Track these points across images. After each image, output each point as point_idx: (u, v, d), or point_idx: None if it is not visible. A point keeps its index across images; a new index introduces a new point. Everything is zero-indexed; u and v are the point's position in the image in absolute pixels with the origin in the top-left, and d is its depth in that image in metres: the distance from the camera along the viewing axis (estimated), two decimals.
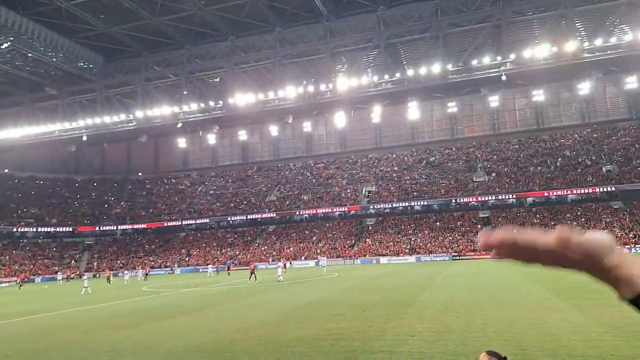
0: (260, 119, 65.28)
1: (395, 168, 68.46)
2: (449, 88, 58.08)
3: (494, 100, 59.18)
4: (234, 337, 12.16)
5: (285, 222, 67.27)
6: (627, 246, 46.04)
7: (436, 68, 48.98)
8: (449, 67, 50.07)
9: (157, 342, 12.18)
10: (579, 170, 57.43)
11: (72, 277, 54.73)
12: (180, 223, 69.95)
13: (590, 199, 55.90)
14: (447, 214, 60.34)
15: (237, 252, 62.72)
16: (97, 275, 61.39)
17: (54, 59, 55.08)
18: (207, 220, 69.52)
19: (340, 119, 59.28)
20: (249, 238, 66.39)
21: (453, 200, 59.33)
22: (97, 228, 71.63)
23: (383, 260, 53.52)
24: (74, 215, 72.84)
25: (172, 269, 61.04)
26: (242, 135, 70.59)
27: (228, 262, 56.37)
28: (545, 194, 56.14)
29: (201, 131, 65.34)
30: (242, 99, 54.42)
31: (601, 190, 54.22)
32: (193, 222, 70.07)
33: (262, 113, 58.32)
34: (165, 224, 70.24)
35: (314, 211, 64.51)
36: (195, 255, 64.23)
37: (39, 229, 68.60)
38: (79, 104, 63.71)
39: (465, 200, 58.79)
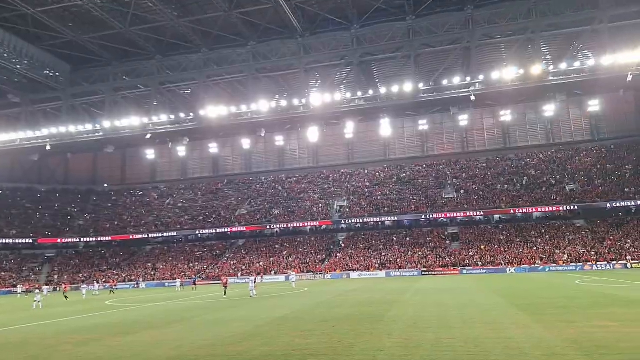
0: (232, 131, 64.85)
1: (367, 183, 69.05)
2: (420, 106, 59.39)
3: (463, 119, 60.85)
4: (199, 354, 11.83)
5: (256, 236, 66.56)
6: (588, 263, 47.68)
7: (408, 87, 50.00)
8: (420, 86, 51.21)
9: (119, 358, 11.89)
10: (543, 189, 59.37)
11: (31, 290, 52.31)
12: (146, 236, 68.15)
13: (554, 217, 57.81)
14: (417, 229, 61.09)
15: (205, 267, 61.46)
16: (57, 289, 58.96)
17: (19, 66, 53.37)
18: (175, 234, 67.98)
19: (313, 134, 59.51)
20: (218, 252, 65.25)
21: (423, 216, 60.15)
22: (58, 240, 68.97)
23: (353, 275, 53.53)
24: (35, 226, 69.93)
25: (137, 283, 59.24)
26: (213, 147, 69.80)
27: (194, 276, 55.20)
28: (512, 211, 57.68)
29: (171, 143, 64.20)
30: (214, 111, 53.97)
31: (564, 208, 56.18)
32: (160, 235, 68.36)
33: (234, 126, 57.97)
34: (131, 237, 68.22)
35: (285, 225, 64.09)
36: (161, 269, 62.56)
37: None
38: (43, 112, 61.74)
39: (435, 216, 59.72)
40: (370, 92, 53.49)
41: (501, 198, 59.26)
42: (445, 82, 50.74)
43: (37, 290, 37.71)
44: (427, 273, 51.63)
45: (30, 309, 29.69)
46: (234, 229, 65.06)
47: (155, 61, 56.77)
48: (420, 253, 55.99)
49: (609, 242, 50.77)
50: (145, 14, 48.78)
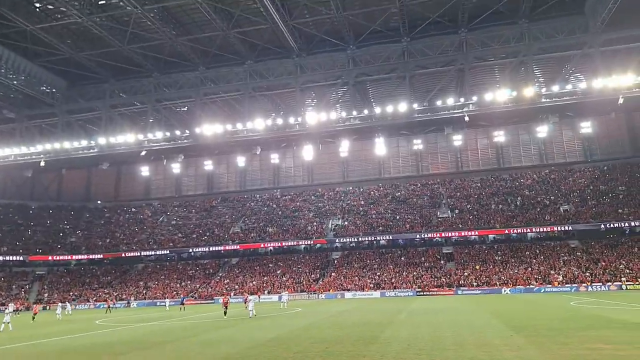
0: (228, 149, 64.88)
1: (362, 202, 68.94)
2: (414, 126, 59.78)
3: (457, 139, 61.18)
4: None
5: (250, 255, 65.92)
6: (583, 284, 47.45)
7: (402, 107, 50.39)
8: (415, 106, 51.64)
9: None
10: (538, 209, 59.46)
11: (20, 309, 51.23)
12: (139, 254, 67.34)
13: (548, 238, 57.78)
14: (412, 249, 60.79)
15: (197, 286, 60.63)
16: (48, 308, 57.87)
17: (15, 82, 53.39)
18: (168, 252, 67.23)
19: (308, 152, 59.56)
20: (211, 271, 64.49)
21: (417, 236, 59.95)
22: (49, 257, 67.99)
23: (348, 295, 52.97)
24: (26, 243, 69.00)
25: (128, 302, 58.29)
26: (208, 165, 69.69)
27: (183, 296, 54.29)
28: (506, 231, 57.60)
29: (165, 160, 63.95)
30: (210, 129, 54.02)
31: (559, 229, 56.24)
32: (153, 253, 67.60)
33: (230, 144, 58.03)
34: (123, 255, 67.38)
35: (279, 244, 63.61)
36: (153, 288, 61.66)
37: None
38: (38, 128, 61.58)
39: (430, 235, 59.54)
40: (366, 111, 53.83)
41: (495, 218, 59.25)
42: (439, 102, 51.18)
43: (6, 310, 35.93)
44: (422, 293, 51.20)
45: (26, 328, 29.05)
46: (227, 248, 64.47)
47: (153, 78, 57.03)
48: (415, 273, 55.60)
49: (604, 263, 50.65)
50: (144, 32, 49.16)
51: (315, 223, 65.62)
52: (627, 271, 48.39)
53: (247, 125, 53.72)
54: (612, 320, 20.49)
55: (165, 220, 74.17)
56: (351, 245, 62.43)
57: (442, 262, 57.69)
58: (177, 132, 56.67)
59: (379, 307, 35.36)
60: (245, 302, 37.86)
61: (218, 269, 64.73)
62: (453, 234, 58.88)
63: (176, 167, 66.51)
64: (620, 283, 46.65)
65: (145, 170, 70.15)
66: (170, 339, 20.15)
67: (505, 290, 49.19)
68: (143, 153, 58.61)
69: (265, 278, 59.45)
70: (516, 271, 52.36)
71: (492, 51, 50.64)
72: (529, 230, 57.09)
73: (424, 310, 30.25)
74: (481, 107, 50.30)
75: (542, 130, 58.32)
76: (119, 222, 75.46)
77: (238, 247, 64.29)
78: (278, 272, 60.71)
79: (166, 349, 17.25)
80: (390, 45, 52.09)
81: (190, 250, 66.49)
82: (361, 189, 71.72)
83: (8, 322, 28.26)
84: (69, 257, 69.10)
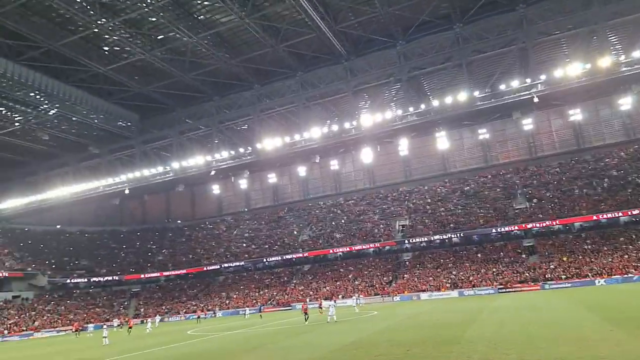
0: (288, 160, 63.90)
1: (429, 200, 64.38)
2: (477, 115, 54.42)
3: (527, 124, 54.70)
4: None
5: (320, 261, 64.31)
6: None
7: (462, 96, 45.97)
8: (476, 93, 46.90)
9: None
10: (629, 190, 51.39)
11: (123, 323, 53.91)
12: (218, 267, 68.70)
13: None
14: (489, 244, 55.40)
15: (274, 293, 60.10)
16: (144, 322, 60.61)
17: (96, 120, 56.65)
18: (244, 263, 67.70)
19: (367, 155, 56.65)
20: (286, 278, 63.78)
21: (493, 230, 54.42)
22: (142, 276, 71.58)
23: (424, 296, 49.32)
24: (121, 264, 73.23)
25: (214, 312, 59.36)
26: (272, 178, 69.31)
27: (260, 304, 54.11)
28: (594, 217, 50.30)
29: (233, 177, 64.58)
30: (270, 143, 53.30)
31: None
32: (230, 265, 68.42)
33: (290, 155, 56.89)
34: (205, 269, 69.22)
35: (348, 249, 61.17)
36: (234, 297, 62.21)
37: (90, 280, 69.24)
38: (119, 160, 64.95)
39: (507, 229, 53.75)
40: (422, 106, 49.93)
41: (580, 204, 52.13)
42: (502, 86, 46.04)
43: (104, 326, 38.33)
44: (504, 290, 46.20)
45: (127, 342, 30.69)
46: (298, 255, 63.35)
47: (214, 102, 57.74)
48: (494, 269, 50.43)
49: None
50: (200, 59, 49.73)
51: (381, 225, 62.37)
52: None
53: (304, 135, 52.23)
54: None
55: (238, 234, 75.03)
56: (422, 245, 58.32)
57: (524, 256, 51.81)
58: (241, 150, 56.68)
59: (459, 306, 32.81)
60: (319, 307, 36.78)
61: (292, 277, 63.85)
62: (533, 225, 52.63)
63: (243, 183, 66.83)
64: None
65: (216, 189, 71.42)
66: (255, 346, 20.41)
67: (599, 282, 42.85)
68: (212, 173, 59.33)
69: (337, 283, 57.41)
70: (610, 260, 45.43)
71: (556, 24, 44.65)
72: (621, 214, 49.29)
73: (508, 307, 27.67)
74: (551, 86, 44.41)
75: (626, 103, 50.37)
76: (198, 239, 77.64)
77: (307, 254, 62.93)
78: (350, 276, 58.29)
79: (254, 355, 17.65)
80: (442, 34, 47.99)
81: (264, 260, 66.39)
82: (426, 187, 67.09)
83: (106, 337, 30.74)
84: (159, 274, 72.16)
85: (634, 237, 48.00)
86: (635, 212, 48.65)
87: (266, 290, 61.82)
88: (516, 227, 53.59)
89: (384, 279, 55.66)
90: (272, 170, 68.18)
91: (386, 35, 48.42)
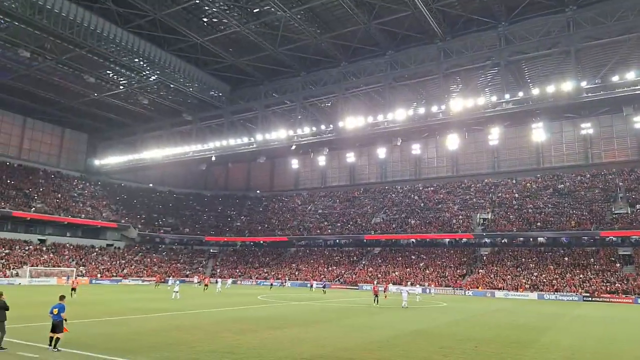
0: (369, 141, 62.63)
1: (516, 195, 60.09)
2: (582, 107, 49.05)
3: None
4: (340, 355, 11.89)
5: (391, 245, 63.18)
6: None
7: (567, 86, 41.48)
8: (583, 84, 42.10)
9: (270, 350, 12.49)
10: None
11: (200, 281, 57.52)
12: (291, 239, 70.26)
13: None
14: (578, 248, 50.73)
15: (343, 271, 60.47)
16: (217, 281, 64.20)
17: (190, 89, 59.20)
18: (315, 238, 68.63)
19: (452, 142, 53.74)
20: (355, 258, 63.60)
21: (586, 234, 49.81)
22: (220, 239, 75.45)
23: (499, 294, 46.55)
24: (202, 226, 77.68)
25: (283, 283, 61.08)
26: (350, 157, 68.48)
27: (324, 281, 54.68)
28: None
29: (312, 153, 64.87)
30: (352, 122, 52.38)
31: None
32: (302, 238, 69.76)
33: (371, 136, 55.55)
34: (278, 239, 71.08)
35: (422, 236, 59.41)
36: (304, 270, 63.54)
37: (174, 237, 74.58)
38: (209, 128, 67.81)
39: (602, 234, 48.91)
40: (520, 93, 45.85)
41: None
42: (615, 78, 40.79)
43: (176, 282, 40.94)
44: (589, 299, 42.29)
45: (203, 297, 32.33)
46: (369, 237, 62.88)
47: (300, 77, 57.65)
48: (582, 276, 46.26)
49: None
50: (292, 34, 49.54)
51: (460, 216, 59.53)
52: None
53: (387, 116, 50.53)
54: None
55: (312, 209, 75.94)
56: (502, 241, 54.87)
57: (618, 265, 46.85)
58: (322, 127, 56.43)
59: (536, 309, 30.18)
60: (384, 291, 36.63)
61: (361, 257, 63.56)
62: (634, 232, 47.36)
63: (322, 160, 66.94)
64: None
65: (295, 163, 72.34)
66: (321, 319, 20.63)
67: None
68: (293, 147, 59.93)
69: (408, 269, 56.16)
70: None
71: None
72: None
73: (593, 318, 24.95)
74: None
75: None
76: (274, 210, 79.87)
77: (379, 237, 62.16)
78: (421, 264, 56.88)
79: (318, 327, 17.78)
80: (550, 17, 43.13)
81: (336, 238, 66.81)
82: (514, 180, 62.59)
83: (177, 292, 32.25)
84: (235, 239, 75.66)
85: None
86: None
87: (334, 268, 62.24)
88: (613, 234, 48.60)
89: (457, 271, 53.38)
90: (351, 149, 67.40)
91: (488, 16, 44.66)
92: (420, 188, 69.34)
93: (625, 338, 16.40)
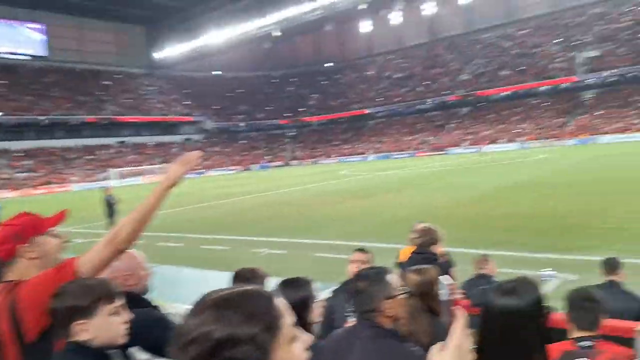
0: None
1: (630, 23, 55.89)
2: None
3: None
4: (441, 212, 12.86)
5: (482, 102, 63.51)
6: None
7: None
8: None
9: (362, 215, 14.14)
10: None
11: (281, 165, 63.00)
12: (369, 111, 72.63)
13: None
14: None
15: (428, 138, 62.81)
16: (301, 163, 70.30)
17: None
18: (396, 107, 70.35)
19: None
20: (440, 123, 65.38)
21: None
22: (296, 120, 79.85)
23: (603, 139, 46.91)
24: (276, 109, 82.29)
25: (365, 157, 64.68)
26: (430, 7, 65.86)
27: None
28: None
29: (384, 10, 63.57)
30: None
31: None
32: (381, 109, 71.74)
33: None
34: (356, 113, 73.92)
35: (515, 88, 58.78)
36: (386, 142, 66.65)
37: (250, 123, 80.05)
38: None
39: None
40: None
41: None
42: None
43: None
44: None
45: (286, 179, 36.40)
46: (455, 97, 63.42)
47: None
48: None
49: None
50: None
51: (560, 58, 57.55)
52: None
53: None
54: None
55: (390, 76, 76.55)
56: (610, 80, 53.07)
57: None
58: None
59: None
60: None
61: (448, 120, 65.10)
62: None
63: (395, 17, 65.47)
64: None
65: (365, 26, 71.42)
66: (413, 184, 22.53)
67: None
68: (363, 6, 59.06)
69: (500, 126, 57.31)
70: None
71: None
72: None
73: None
74: None
75: None
76: (348, 82, 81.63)
77: (467, 95, 62.49)
78: (515, 119, 57.43)
79: (410, 191, 19.53)
80: None
81: (417, 104, 67.99)
82: (629, 7, 57.52)
83: None
84: (312, 119, 79.81)
85: None
86: None
87: (418, 135, 64.67)
88: None
89: (556, 121, 53.72)
90: None
91: None
92: (513, 32, 66.66)
93: None
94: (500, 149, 51.30)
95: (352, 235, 10.94)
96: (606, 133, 47.60)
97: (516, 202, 13.97)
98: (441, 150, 58.05)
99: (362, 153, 65.95)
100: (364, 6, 58.70)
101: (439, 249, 3.62)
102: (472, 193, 16.89)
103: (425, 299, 2.39)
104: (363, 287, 1.82)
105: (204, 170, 64.15)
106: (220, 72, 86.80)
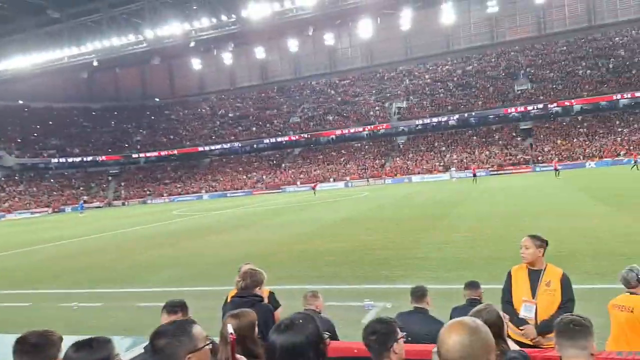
0: (278, 33, 63.53)
1: (428, 80, 66.77)
2: None
3: None
4: (271, 250, 13.29)
5: (312, 144, 67.96)
6: None
7: None
8: None
9: (192, 255, 13.79)
10: (633, 72, 54.69)
11: (102, 206, 57.85)
12: (204, 149, 71.58)
13: None
14: (485, 127, 59.53)
15: (263, 177, 64.38)
16: (126, 204, 65.14)
17: None
18: (230, 146, 70.79)
19: (365, 28, 57.02)
20: (275, 162, 67.75)
21: (491, 112, 58.20)
22: (121, 156, 74.05)
23: (415, 178, 54.23)
24: (95, 144, 75.31)
25: (200, 196, 63.13)
26: (260, 52, 69.17)
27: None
28: (596, 100, 54.16)
29: (216, 50, 64.42)
30: (257, 10, 52.66)
31: None
32: (217, 147, 71.45)
33: (280, 26, 56.64)
34: (189, 151, 72.08)
35: (340, 132, 64.66)
36: (222, 180, 66.27)
37: (63, 160, 71.47)
38: (84, 26, 62.93)
39: (505, 111, 57.55)
40: None
41: (582, 86, 55.58)
42: None
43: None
44: (496, 173, 51.25)
45: (107, 220, 33.40)
46: (289, 138, 66.68)
47: None
48: (487, 152, 55.21)
49: None
50: None
51: (377, 107, 65.31)
52: None
53: (295, 2, 51.65)
54: None
55: (224, 114, 76.96)
56: (417, 128, 62.16)
57: (519, 139, 56.42)
58: (224, 18, 55.94)
59: (450, 187, 36.25)
60: (313, 189, 40.83)
61: (282, 160, 67.79)
62: (532, 107, 56.42)
63: (228, 58, 66.80)
64: None
65: (197, 63, 71.27)
66: (247, 223, 22.53)
67: (589, 164, 47.99)
68: (192, 44, 59.08)
69: (329, 166, 61.79)
70: (604, 143, 50.28)
71: None
72: (620, 96, 53.22)
73: (498, 188, 30.60)
74: None
75: None
76: (179, 119, 79.45)
77: (299, 137, 66.26)
78: (342, 160, 62.65)
79: (244, 230, 19.46)
80: None
81: (253, 143, 69.54)
82: (427, 66, 68.95)
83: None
84: (138, 156, 74.89)
85: (631, 119, 52.59)
86: (638, 94, 52.53)
87: (255, 174, 66.02)
88: (514, 110, 57.34)
89: (377, 162, 60.21)
90: (260, 43, 67.84)
91: None
92: (337, 81, 73.60)
93: (524, 201, 20.80)
94: (329, 187, 55.30)
95: (179, 281, 10.34)
96: (417, 173, 55.01)
97: (340, 237, 14.88)
98: (277, 189, 60.09)
99: (197, 192, 64.45)
100: (193, 44, 58.44)
101: (264, 290, 3.56)
102: (302, 230, 17.61)
103: (244, 343, 2.31)
104: (162, 345, 1.63)
105: (3, 213, 56.78)
106: (25, 102, 76.45)
